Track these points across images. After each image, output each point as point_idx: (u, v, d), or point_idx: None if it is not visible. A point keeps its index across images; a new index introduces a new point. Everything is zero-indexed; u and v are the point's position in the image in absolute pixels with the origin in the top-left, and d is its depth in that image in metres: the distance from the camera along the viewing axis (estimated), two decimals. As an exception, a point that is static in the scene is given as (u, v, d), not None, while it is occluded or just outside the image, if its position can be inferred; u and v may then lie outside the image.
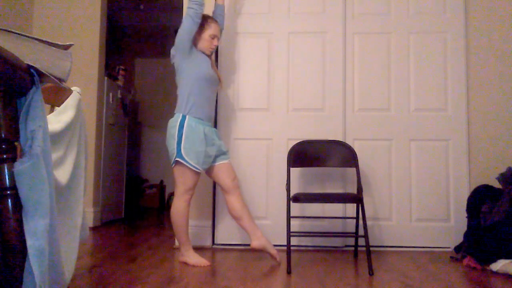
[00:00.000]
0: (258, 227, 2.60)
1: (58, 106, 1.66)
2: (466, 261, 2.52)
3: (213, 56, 2.74)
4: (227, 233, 3.11)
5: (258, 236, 2.55)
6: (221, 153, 2.59)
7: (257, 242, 2.54)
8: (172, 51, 2.57)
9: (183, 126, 2.46)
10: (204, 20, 2.57)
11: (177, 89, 2.60)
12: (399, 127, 3.14)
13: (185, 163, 2.43)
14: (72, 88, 1.72)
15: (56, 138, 1.53)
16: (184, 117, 2.49)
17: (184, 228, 2.53)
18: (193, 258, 2.49)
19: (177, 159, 2.45)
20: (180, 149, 2.43)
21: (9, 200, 1.17)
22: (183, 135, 2.44)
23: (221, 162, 2.59)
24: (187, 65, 2.54)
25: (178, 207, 2.51)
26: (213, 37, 2.60)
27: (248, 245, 2.63)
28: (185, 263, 2.49)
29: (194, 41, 2.57)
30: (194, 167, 2.44)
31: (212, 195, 3.12)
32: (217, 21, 2.67)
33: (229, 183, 2.58)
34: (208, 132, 2.53)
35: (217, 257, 2.74)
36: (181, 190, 2.50)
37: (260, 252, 2.66)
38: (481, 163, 3.09)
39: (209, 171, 2.61)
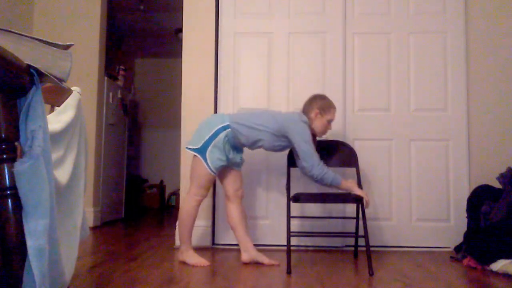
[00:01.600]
0: (250, 239, 2.59)
1: (58, 106, 1.65)
2: (466, 261, 2.52)
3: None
4: (227, 233, 3.11)
5: (248, 249, 2.55)
6: (235, 164, 2.58)
7: (246, 256, 2.55)
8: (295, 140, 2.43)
9: (218, 134, 2.43)
10: (328, 105, 2.51)
11: (261, 125, 2.46)
12: (399, 127, 3.14)
13: (204, 163, 2.43)
14: (72, 88, 1.72)
15: (56, 138, 1.53)
16: (226, 128, 2.44)
17: (188, 228, 2.52)
18: (193, 258, 2.49)
19: (197, 154, 2.44)
20: (206, 150, 2.42)
21: (9, 200, 1.17)
22: (214, 142, 2.42)
23: (231, 168, 2.58)
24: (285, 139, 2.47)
25: (187, 205, 2.51)
26: (330, 122, 2.53)
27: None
28: (184, 263, 2.50)
29: (308, 118, 2.49)
30: (210, 169, 2.44)
31: (212, 195, 3.12)
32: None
33: (231, 192, 2.59)
34: (230, 151, 2.50)
35: (217, 257, 2.74)
36: (194, 187, 2.49)
37: (260, 252, 2.66)
38: (481, 163, 3.09)
39: (219, 173, 2.60)
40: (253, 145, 2.53)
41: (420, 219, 3.09)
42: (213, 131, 2.44)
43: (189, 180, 2.55)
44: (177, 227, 2.56)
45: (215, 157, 2.42)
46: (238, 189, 2.61)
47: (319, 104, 2.50)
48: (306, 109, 2.54)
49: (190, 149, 2.49)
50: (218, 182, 3.09)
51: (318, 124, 2.50)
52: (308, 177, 2.41)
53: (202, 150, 2.43)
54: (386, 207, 3.11)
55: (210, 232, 3.08)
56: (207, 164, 2.43)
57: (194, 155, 2.46)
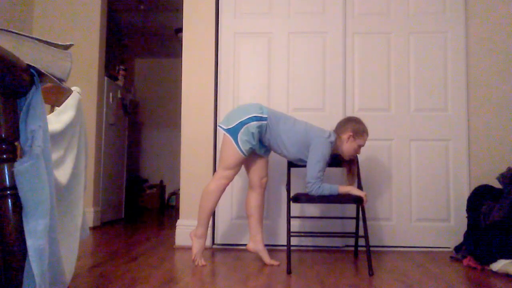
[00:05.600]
0: (262, 232, 2.62)
1: (58, 106, 1.65)
2: (466, 261, 2.52)
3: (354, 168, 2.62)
4: (227, 233, 3.11)
5: (257, 240, 2.59)
6: (261, 152, 2.59)
7: (253, 246, 2.60)
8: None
9: (252, 121, 2.40)
10: (362, 130, 2.47)
11: (294, 134, 2.47)
12: (399, 127, 3.14)
13: (234, 143, 2.41)
14: (72, 88, 1.72)
15: (56, 138, 1.53)
16: (264, 119, 2.43)
17: (208, 210, 2.50)
18: (197, 249, 2.49)
19: (228, 134, 2.43)
20: (238, 131, 2.40)
21: (9, 200, 1.16)
22: (246, 125, 2.40)
23: (259, 156, 2.58)
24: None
25: (210, 186, 2.48)
26: (360, 147, 2.51)
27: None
28: (191, 244, 2.53)
29: (339, 140, 2.48)
30: (240, 150, 2.41)
31: (212, 195, 3.12)
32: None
33: (256, 180, 2.60)
34: (258, 143, 2.51)
35: (217, 257, 2.74)
36: (221, 168, 2.47)
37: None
38: (481, 163, 3.09)
39: (246, 162, 2.60)
40: (275, 151, 2.56)
41: (420, 219, 3.09)
42: (248, 116, 2.42)
43: (218, 163, 2.53)
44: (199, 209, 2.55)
45: (245, 138, 2.40)
46: (263, 177, 2.62)
47: (354, 127, 2.47)
48: (339, 129, 2.50)
49: (222, 128, 2.48)
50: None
51: (348, 147, 2.48)
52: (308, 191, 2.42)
53: (233, 131, 2.41)
54: (386, 207, 3.11)
55: (210, 232, 3.08)
56: (238, 144, 2.41)
57: (225, 134, 2.45)
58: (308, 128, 2.48)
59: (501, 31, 3.17)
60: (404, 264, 2.56)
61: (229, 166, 2.46)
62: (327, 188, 2.37)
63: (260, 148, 2.55)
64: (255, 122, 2.41)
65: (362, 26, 3.20)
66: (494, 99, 3.13)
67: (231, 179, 2.50)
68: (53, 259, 1.30)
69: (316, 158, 2.39)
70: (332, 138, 2.46)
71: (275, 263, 2.51)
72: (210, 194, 2.48)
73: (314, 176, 2.37)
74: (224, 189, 2.51)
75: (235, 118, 2.44)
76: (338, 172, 3.05)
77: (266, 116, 2.45)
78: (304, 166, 2.48)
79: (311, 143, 2.43)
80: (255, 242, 2.59)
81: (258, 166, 2.60)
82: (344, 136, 2.47)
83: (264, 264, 2.51)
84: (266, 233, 3.05)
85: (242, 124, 2.41)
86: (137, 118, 6.78)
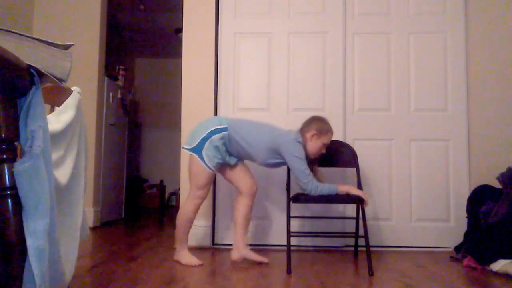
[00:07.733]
0: (245, 238, 2.57)
1: (58, 106, 1.65)
2: (466, 261, 2.52)
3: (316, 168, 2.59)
4: (227, 233, 3.11)
5: (239, 247, 2.54)
6: (233, 162, 2.57)
7: (236, 254, 2.54)
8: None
9: (213, 134, 2.41)
10: (326, 128, 2.47)
11: (255, 139, 2.46)
12: (399, 127, 3.14)
13: (200, 160, 2.42)
14: (72, 88, 1.72)
15: (56, 138, 1.53)
16: (224, 130, 2.43)
17: (185, 230, 2.53)
18: (186, 258, 2.50)
19: (195, 153, 2.43)
20: (202, 148, 2.41)
21: (9, 200, 1.16)
22: (209, 140, 2.41)
23: (237, 164, 2.57)
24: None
25: (185, 209, 2.51)
26: (325, 145, 2.50)
27: (249, 245, 2.64)
28: (178, 262, 2.51)
29: (304, 138, 2.46)
30: (208, 166, 2.42)
31: (212, 195, 3.12)
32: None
33: (244, 189, 2.57)
34: (226, 154, 2.51)
35: (217, 257, 2.74)
36: (194, 188, 2.48)
37: (260, 252, 2.66)
38: (481, 163, 3.09)
39: (224, 173, 2.61)
40: (245, 159, 2.56)
41: (420, 219, 3.09)
42: (209, 130, 2.43)
43: (189, 183, 2.53)
44: (176, 227, 2.56)
45: (211, 154, 2.41)
46: (252, 185, 2.58)
47: (318, 126, 2.47)
48: (304, 129, 2.51)
49: (185, 148, 2.49)
50: (219, 183, 3.09)
51: (312, 145, 2.47)
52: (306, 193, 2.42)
53: (197, 149, 2.42)
54: (386, 207, 3.11)
55: (210, 232, 3.08)
56: (204, 161, 2.42)
57: (191, 154, 2.46)
58: (274, 133, 2.47)
59: (501, 31, 3.17)
60: (404, 264, 2.56)
61: (201, 185, 2.47)
62: (326, 188, 2.37)
63: (231, 158, 2.54)
64: (217, 135, 2.42)
65: (362, 26, 3.20)
66: (494, 99, 3.13)
67: (204, 197, 2.53)
68: (53, 259, 1.30)
69: (295, 161, 2.38)
70: (300, 139, 2.45)
71: (264, 260, 2.51)
72: (186, 215, 2.51)
73: (305, 174, 2.36)
74: (199, 208, 2.53)
75: (196, 136, 2.45)
76: (337, 172, 3.05)
77: (225, 126, 2.44)
78: (278, 166, 2.51)
79: (280, 148, 2.42)
80: (237, 250, 2.54)
81: (240, 175, 2.58)
82: (308, 135, 2.47)
83: (265, 264, 2.51)
84: (266, 233, 3.05)
85: (205, 139, 2.41)
86: (137, 118, 6.78)
